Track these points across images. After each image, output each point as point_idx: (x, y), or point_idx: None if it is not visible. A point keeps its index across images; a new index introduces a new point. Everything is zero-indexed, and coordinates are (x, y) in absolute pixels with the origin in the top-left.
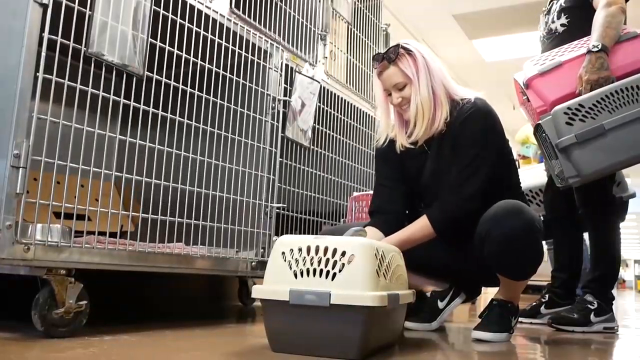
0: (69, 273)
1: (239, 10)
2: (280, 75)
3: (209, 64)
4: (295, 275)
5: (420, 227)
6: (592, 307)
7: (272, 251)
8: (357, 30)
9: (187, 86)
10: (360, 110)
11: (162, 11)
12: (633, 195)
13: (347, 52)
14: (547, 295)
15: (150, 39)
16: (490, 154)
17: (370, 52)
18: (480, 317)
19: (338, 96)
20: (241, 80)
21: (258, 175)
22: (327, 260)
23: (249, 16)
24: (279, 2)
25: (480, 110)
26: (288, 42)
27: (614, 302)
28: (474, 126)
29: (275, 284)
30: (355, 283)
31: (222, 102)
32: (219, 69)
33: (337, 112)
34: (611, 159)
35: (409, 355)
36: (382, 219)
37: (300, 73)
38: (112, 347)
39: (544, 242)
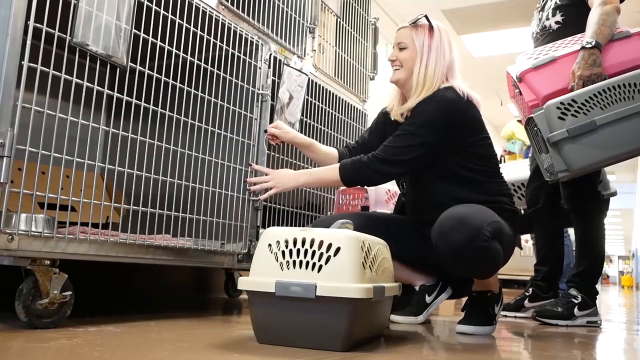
0: (54, 263)
1: (228, 2)
2: (269, 68)
3: (195, 56)
4: (282, 267)
5: (330, 169)
6: (576, 301)
7: (258, 243)
8: (346, 23)
9: (172, 79)
10: (348, 103)
11: (146, 2)
12: (614, 194)
13: (336, 46)
14: (530, 289)
15: (135, 30)
16: (427, 136)
17: (358, 46)
18: (462, 310)
19: (326, 89)
20: (227, 76)
21: (244, 170)
22: (314, 252)
23: (237, 8)
24: None
25: (439, 96)
26: (276, 35)
27: (597, 296)
28: (424, 107)
29: (261, 276)
30: (341, 275)
31: (209, 96)
32: (206, 62)
33: (325, 105)
34: (601, 155)
35: (394, 348)
36: (348, 150)
37: (288, 65)
38: (96, 338)
39: (527, 237)
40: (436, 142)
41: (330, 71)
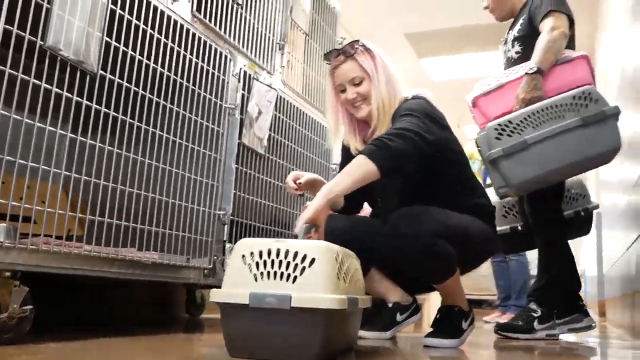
0: (14, 275)
1: (201, 14)
2: (238, 82)
3: (165, 67)
4: (255, 278)
5: (356, 161)
6: (535, 315)
7: (232, 254)
8: (314, 41)
9: (142, 89)
10: (314, 120)
11: (118, 10)
12: (596, 207)
13: (304, 63)
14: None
15: (106, 38)
16: (424, 118)
17: (324, 64)
18: (432, 325)
19: (293, 105)
20: (197, 89)
21: (210, 184)
22: (288, 263)
23: (210, 21)
24: (240, 10)
25: (409, 101)
26: (247, 50)
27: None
28: (407, 105)
29: (234, 287)
30: (315, 286)
31: (177, 108)
32: (176, 74)
33: (292, 121)
34: (534, 170)
35: None
36: None
37: (257, 80)
38: (58, 355)
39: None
40: (429, 127)
41: (298, 88)
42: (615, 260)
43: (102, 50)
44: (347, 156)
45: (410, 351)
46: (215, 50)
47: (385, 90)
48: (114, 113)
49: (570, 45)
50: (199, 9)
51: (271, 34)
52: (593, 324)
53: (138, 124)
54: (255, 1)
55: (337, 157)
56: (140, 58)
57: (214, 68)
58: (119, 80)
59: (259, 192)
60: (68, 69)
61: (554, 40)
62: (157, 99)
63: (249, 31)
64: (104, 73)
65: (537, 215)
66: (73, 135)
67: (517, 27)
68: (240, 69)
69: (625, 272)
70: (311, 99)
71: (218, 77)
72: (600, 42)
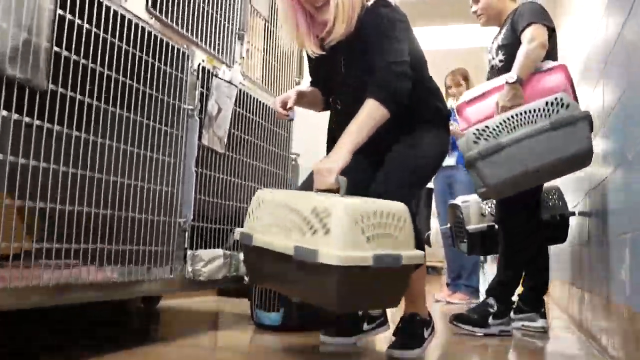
0: None
1: (156, 11)
2: (197, 79)
3: (121, 72)
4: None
5: (368, 109)
6: (491, 310)
7: (340, 219)
8: (273, 27)
9: (88, 97)
10: (274, 111)
11: (68, 15)
12: (572, 214)
13: (264, 51)
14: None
15: (56, 48)
16: (402, 40)
17: (285, 50)
18: (394, 335)
19: (254, 98)
20: (153, 92)
21: (170, 192)
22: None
23: (166, 16)
24: (197, 0)
25: (380, 10)
26: (205, 43)
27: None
28: (379, 18)
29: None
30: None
31: (134, 116)
32: (129, 77)
33: (252, 115)
34: (507, 172)
35: None
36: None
37: (217, 77)
38: None
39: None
40: (405, 49)
41: (258, 77)
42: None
43: (52, 62)
44: (311, 60)
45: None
46: (173, 47)
47: None
48: (58, 127)
49: (552, 53)
50: (154, 5)
51: (230, 24)
52: (546, 327)
53: (86, 136)
54: None
55: (296, 147)
56: (94, 66)
57: (171, 67)
58: (71, 94)
59: (219, 193)
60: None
61: (533, 50)
62: (113, 109)
63: (207, 22)
64: (54, 87)
65: (502, 210)
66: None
67: (501, 36)
68: (199, 64)
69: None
70: (272, 89)
71: (176, 77)
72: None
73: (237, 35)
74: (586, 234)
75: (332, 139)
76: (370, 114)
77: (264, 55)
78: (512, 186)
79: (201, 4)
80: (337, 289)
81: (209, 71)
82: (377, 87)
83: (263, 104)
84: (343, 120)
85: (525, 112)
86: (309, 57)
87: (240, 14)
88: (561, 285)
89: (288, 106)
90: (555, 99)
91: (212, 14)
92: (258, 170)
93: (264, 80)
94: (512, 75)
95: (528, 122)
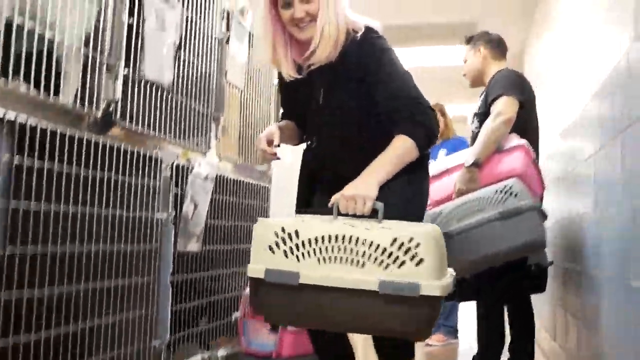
0: None
1: (126, 121)
2: (171, 179)
3: (87, 205)
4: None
5: (404, 147)
6: None
7: (431, 247)
8: (249, 91)
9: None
10: (251, 185)
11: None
12: (551, 263)
13: (240, 121)
14: None
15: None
16: (408, 76)
17: (261, 111)
18: None
19: (230, 179)
20: (124, 213)
21: (144, 315)
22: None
23: (132, 121)
24: (168, 95)
25: (370, 37)
26: (177, 137)
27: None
28: (372, 48)
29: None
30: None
31: (103, 247)
32: (100, 205)
33: (230, 196)
34: (461, 258)
35: None
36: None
37: (192, 173)
38: None
39: None
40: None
41: (233, 150)
42: None
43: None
44: (287, 89)
45: None
46: (144, 155)
47: (334, 13)
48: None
49: (528, 125)
50: (123, 115)
51: (205, 107)
52: None
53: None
54: (188, 84)
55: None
56: (57, 210)
57: (142, 178)
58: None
59: (196, 293)
60: None
61: (497, 128)
62: (79, 248)
63: (180, 111)
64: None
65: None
66: None
67: (479, 103)
68: (173, 162)
69: None
70: (248, 160)
71: (148, 186)
72: (532, 46)
73: (212, 118)
74: None
75: (309, 173)
76: (401, 147)
77: (240, 127)
78: (472, 267)
79: (173, 96)
80: (426, 320)
81: (183, 167)
82: (409, 122)
83: (241, 181)
84: (320, 155)
85: (475, 200)
86: (281, 86)
87: (214, 94)
88: None
89: (275, 143)
90: (505, 186)
91: (184, 102)
92: (242, 253)
93: (240, 153)
94: (469, 159)
95: (477, 211)
